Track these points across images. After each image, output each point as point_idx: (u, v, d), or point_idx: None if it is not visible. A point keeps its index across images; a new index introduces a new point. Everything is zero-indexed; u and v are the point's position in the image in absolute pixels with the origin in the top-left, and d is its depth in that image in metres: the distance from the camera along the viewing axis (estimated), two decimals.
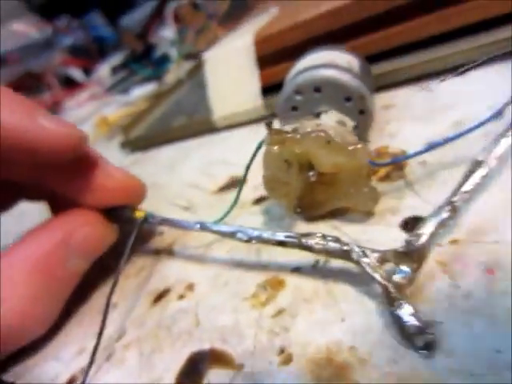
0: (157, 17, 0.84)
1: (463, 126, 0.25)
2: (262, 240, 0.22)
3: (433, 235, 0.18)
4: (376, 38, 0.31)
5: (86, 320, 0.28)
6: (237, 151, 0.38)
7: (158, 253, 0.31)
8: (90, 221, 0.27)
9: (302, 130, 0.21)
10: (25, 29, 1.13)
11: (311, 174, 0.21)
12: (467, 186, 0.19)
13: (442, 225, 0.18)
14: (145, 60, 0.75)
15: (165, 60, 0.70)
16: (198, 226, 0.25)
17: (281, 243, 0.21)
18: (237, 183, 0.33)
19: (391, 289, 0.17)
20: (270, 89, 0.37)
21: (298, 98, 0.26)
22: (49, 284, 0.25)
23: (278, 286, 0.22)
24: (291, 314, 0.20)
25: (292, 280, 0.22)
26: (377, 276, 0.17)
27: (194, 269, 0.27)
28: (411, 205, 0.22)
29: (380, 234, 0.22)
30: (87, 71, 1.07)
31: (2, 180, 0.27)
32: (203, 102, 0.44)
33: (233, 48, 0.37)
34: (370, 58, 0.31)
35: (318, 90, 0.25)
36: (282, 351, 0.19)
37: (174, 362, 0.22)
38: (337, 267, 0.21)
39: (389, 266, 0.18)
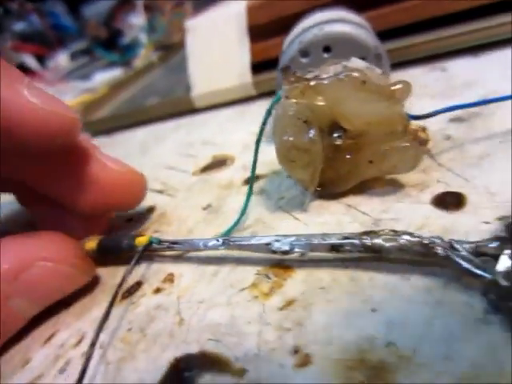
0: (124, 4, 0.79)
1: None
2: (309, 247, 0.17)
3: None
4: (387, 12, 0.29)
5: None
6: (219, 132, 0.33)
7: None
8: (58, 256, 0.20)
9: (326, 75, 0.17)
10: None
11: (337, 135, 0.18)
12: None
13: None
14: (111, 46, 0.69)
15: (134, 46, 0.65)
16: (220, 242, 0.19)
17: (336, 248, 0.16)
18: (221, 163, 0.29)
19: (503, 281, 0.13)
20: (261, 66, 0.33)
21: (304, 60, 0.22)
22: None
23: (284, 273, 0.18)
24: (305, 306, 0.16)
25: (302, 266, 0.18)
26: (478, 271, 0.13)
27: (174, 258, 0.23)
28: (441, 180, 0.19)
29: (407, 212, 0.18)
30: (44, 59, 0.98)
31: None
32: (178, 85, 0.40)
33: (221, 15, 0.33)
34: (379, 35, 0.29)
35: (327, 49, 0.21)
36: (296, 351, 0.15)
37: (150, 371, 0.17)
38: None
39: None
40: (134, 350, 0.18)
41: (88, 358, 0.18)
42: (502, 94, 0.20)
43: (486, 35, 0.27)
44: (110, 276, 0.24)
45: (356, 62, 0.18)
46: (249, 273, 0.19)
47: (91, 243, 0.25)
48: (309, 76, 0.18)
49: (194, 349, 0.17)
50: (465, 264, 0.14)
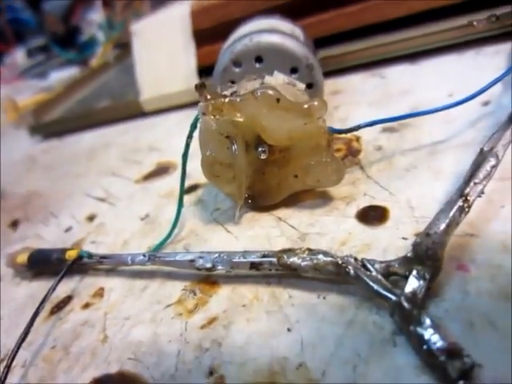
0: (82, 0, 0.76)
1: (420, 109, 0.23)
2: (230, 264, 0.17)
3: (446, 233, 0.14)
4: (327, 18, 0.28)
5: None
6: (167, 137, 0.33)
7: None
8: None
9: (244, 92, 0.17)
10: None
11: (261, 149, 0.17)
12: (478, 177, 0.15)
13: (455, 221, 0.14)
14: (68, 43, 0.67)
15: (91, 43, 0.63)
16: (147, 258, 0.19)
17: (256, 266, 0.16)
18: (164, 171, 0.28)
19: (406, 304, 0.12)
20: (207, 70, 0.33)
21: (237, 70, 0.22)
22: None
23: (210, 289, 0.18)
24: (225, 324, 0.16)
25: (228, 282, 0.18)
26: (385, 292, 0.13)
27: (107, 272, 0.22)
28: (368, 193, 0.19)
29: (333, 226, 0.18)
30: (1, 55, 0.94)
31: None
32: (132, 86, 0.39)
33: (166, 18, 0.32)
34: (317, 42, 0.28)
35: (259, 59, 0.21)
36: (211, 373, 0.15)
37: None
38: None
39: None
40: (55, 369, 0.18)
41: (3, 380, 0.17)
42: (434, 102, 0.20)
43: (423, 42, 0.27)
44: (43, 289, 0.23)
45: (277, 77, 0.18)
46: (176, 288, 0.19)
47: (23, 256, 0.24)
48: (226, 92, 0.17)
49: (114, 368, 0.17)
50: (373, 284, 0.14)
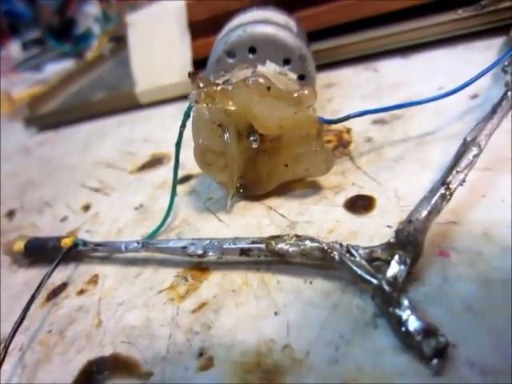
0: None
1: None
2: (221, 251, 0.17)
3: (428, 220, 0.14)
4: (320, 12, 0.29)
5: None
6: (161, 129, 0.33)
7: None
8: None
9: (236, 80, 0.17)
10: None
11: (252, 138, 0.18)
12: (460, 166, 0.15)
13: (437, 208, 0.14)
14: (63, 36, 0.67)
15: (87, 36, 0.63)
16: (140, 245, 0.20)
17: (245, 252, 0.17)
18: (158, 161, 0.29)
19: (386, 287, 0.13)
20: (203, 62, 0.33)
21: (230, 60, 0.22)
22: None
23: (201, 275, 0.19)
24: (215, 309, 0.17)
25: (218, 268, 0.18)
26: (367, 276, 0.14)
27: (101, 259, 0.22)
28: (356, 183, 0.20)
29: (321, 215, 0.19)
30: None
31: None
32: (127, 78, 0.39)
33: (161, 10, 0.32)
34: (311, 35, 0.29)
35: (252, 50, 0.21)
36: (201, 354, 0.15)
37: (64, 373, 0.17)
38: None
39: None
40: (50, 352, 0.18)
41: (1, 362, 0.17)
42: (425, 96, 0.20)
43: (415, 36, 0.28)
44: (39, 276, 0.24)
45: (269, 67, 0.18)
46: (169, 275, 0.19)
47: (19, 243, 0.25)
48: (219, 81, 0.18)
49: (107, 351, 0.17)
50: (356, 269, 0.14)
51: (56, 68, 0.59)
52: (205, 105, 0.17)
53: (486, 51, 0.26)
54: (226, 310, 0.16)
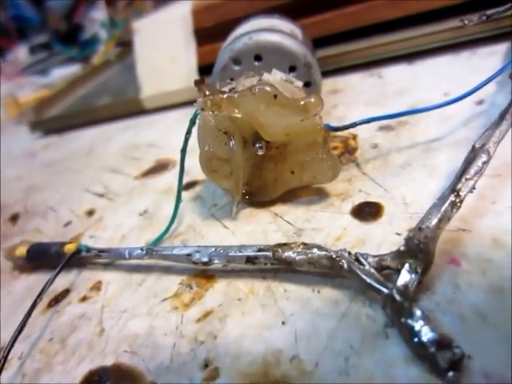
0: None
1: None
2: (226, 259, 0.17)
3: (438, 227, 0.14)
4: (325, 19, 0.29)
5: None
6: (166, 134, 0.33)
7: None
8: None
9: (241, 88, 0.17)
10: None
11: (258, 145, 0.18)
12: (470, 173, 0.15)
13: (447, 216, 0.14)
14: (70, 40, 0.67)
15: (93, 41, 0.63)
16: (144, 252, 0.19)
17: (251, 260, 0.16)
18: (163, 167, 0.29)
19: (397, 297, 0.13)
20: (208, 69, 0.33)
21: (236, 67, 0.22)
22: None
23: (206, 283, 0.18)
24: (220, 317, 0.16)
25: (224, 276, 0.18)
26: (377, 285, 0.13)
27: (105, 265, 0.22)
28: (363, 190, 0.19)
29: (328, 222, 0.18)
30: (3, 51, 0.94)
31: None
32: (132, 84, 0.39)
33: (167, 16, 0.32)
34: (316, 42, 0.29)
35: (258, 57, 0.21)
36: (206, 365, 0.15)
37: (65, 383, 0.17)
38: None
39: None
40: (51, 361, 0.18)
41: None
42: (430, 102, 0.20)
43: (420, 43, 0.27)
44: (42, 282, 0.23)
45: (275, 75, 0.18)
46: (173, 282, 0.19)
47: (21, 249, 0.24)
48: (225, 89, 0.17)
49: (109, 361, 0.17)
50: (366, 278, 0.14)
51: (62, 72, 0.59)
52: (211, 112, 0.17)
53: (490, 57, 0.26)
54: (231, 319, 0.16)
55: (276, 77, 0.18)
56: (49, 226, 0.28)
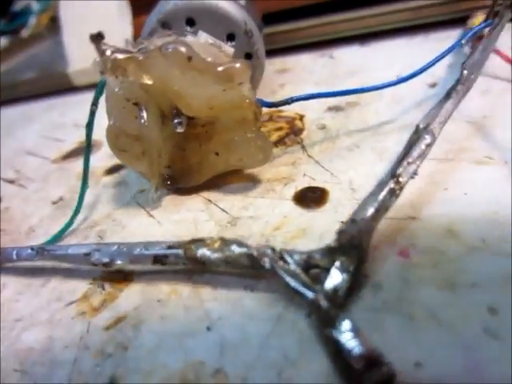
0: None
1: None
2: (132, 258, 0.14)
3: (374, 219, 0.12)
4: None
5: None
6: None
7: None
8: None
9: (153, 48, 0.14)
10: None
11: (177, 121, 0.15)
12: (412, 156, 0.13)
13: (385, 205, 0.12)
14: (1, 12, 0.60)
15: (25, 13, 0.57)
16: (34, 252, 0.16)
17: (160, 259, 0.14)
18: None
19: (323, 303, 0.10)
20: None
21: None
22: None
23: (121, 282, 0.15)
24: (134, 324, 0.14)
25: (143, 274, 0.15)
26: (302, 289, 0.11)
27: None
28: (308, 174, 0.17)
29: (268, 210, 0.16)
30: None
31: None
32: (64, 59, 0.34)
33: None
34: (266, 19, 0.26)
35: (191, 21, 0.18)
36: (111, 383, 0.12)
37: None
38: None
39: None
40: None
41: None
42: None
43: (373, 23, 0.26)
44: None
45: (200, 37, 0.15)
46: (83, 282, 0.16)
47: None
48: (132, 48, 0.14)
49: None
50: (290, 280, 0.11)
51: None
52: (115, 77, 0.14)
53: (445, 41, 0.25)
54: (147, 326, 0.13)
55: (200, 39, 0.15)
56: None
